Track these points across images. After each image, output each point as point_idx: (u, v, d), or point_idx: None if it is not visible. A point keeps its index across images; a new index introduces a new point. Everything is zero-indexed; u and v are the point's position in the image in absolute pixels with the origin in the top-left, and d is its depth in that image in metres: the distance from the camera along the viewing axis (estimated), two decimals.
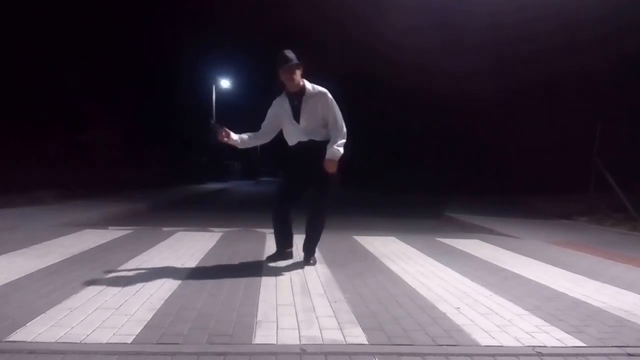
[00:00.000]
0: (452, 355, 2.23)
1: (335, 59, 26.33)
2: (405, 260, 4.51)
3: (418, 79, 18.71)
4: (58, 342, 2.20)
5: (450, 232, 7.34)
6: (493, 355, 2.25)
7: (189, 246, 4.83)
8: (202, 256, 4.34)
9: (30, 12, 12.66)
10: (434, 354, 2.23)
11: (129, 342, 2.24)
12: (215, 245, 4.98)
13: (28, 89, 12.49)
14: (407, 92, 20.40)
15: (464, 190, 15.28)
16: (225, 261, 4.19)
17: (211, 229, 6.26)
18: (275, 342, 2.29)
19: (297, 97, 3.84)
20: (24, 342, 2.20)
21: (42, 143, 12.02)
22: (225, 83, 31.85)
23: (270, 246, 4.66)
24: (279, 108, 3.96)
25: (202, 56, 27.19)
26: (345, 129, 3.89)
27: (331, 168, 3.77)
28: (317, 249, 4.24)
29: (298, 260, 4.30)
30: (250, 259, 4.30)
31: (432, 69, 17.96)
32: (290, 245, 4.28)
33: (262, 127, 4.10)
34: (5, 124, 10.68)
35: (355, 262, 4.30)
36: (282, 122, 4.00)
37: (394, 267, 4.14)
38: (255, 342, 2.28)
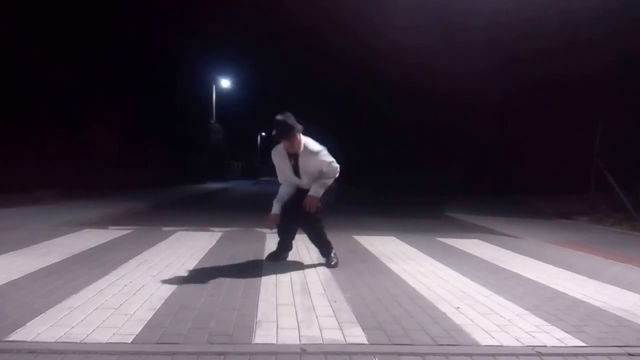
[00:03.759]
0: (452, 355, 2.23)
1: (335, 57, 26.32)
2: (405, 260, 4.51)
3: (418, 78, 18.69)
4: (58, 342, 2.20)
5: (450, 231, 7.34)
6: (493, 355, 2.25)
7: (189, 246, 4.83)
8: (202, 256, 4.34)
9: (30, 12, 12.65)
10: (434, 354, 2.23)
11: (129, 342, 2.24)
12: (215, 245, 4.98)
13: (28, 89, 12.48)
14: (408, 91, 20.38)
15: (464, 190, 15.27)
16: (225, 261, 4.19)
17: (211, 229, 6.26)
18: (275, 342, 2.29)
19: (294, 157, 3.96)
20: (24, 341, 2.20)
21: (42, 143, 12.02)
22: (225, 83, 31.89)
23: (270, 246, 4.67)
24: (281, 159, 4.03)
25: (202, 56, 27.11)
26: (334, 169, 4.01)
27: (312, 205, 3.90)
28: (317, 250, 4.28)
29: (298, 260, 4.31)
30: (250, 259, 4.30)
31: (433, 68, 17.93)
32: (290, 248, 4.34)
33: (279, 178, 4.19)
34: (5, 124, 10.67)
35: (355, 262, 4.30)
36: (284, 172, 4.10)
37: (394, 267, 4.14)
38: (255, 342, 2.29)
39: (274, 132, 3.87)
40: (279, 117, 3.83)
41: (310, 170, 3.98)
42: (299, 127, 3.86)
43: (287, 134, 3.81)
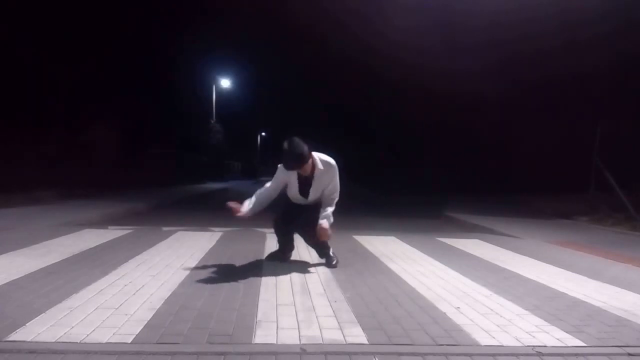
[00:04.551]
0: (452, 355, 2.23)
1: (335, 57, 26.33)
2: (405, 260, 4.51)
3: (419, 79, 18.71)
4: (58, 342, 2.20)
5: (450, 231, 7.34)
6: (493, 355, 2.25)
7: (189, 246, 4.83)
8: (202, 256, 4.34)
9: (30, 12, 12.65)
10: (434, 354, 2.23)
11: (129, 341, 2.24)
12: (215, 245, 4.98)
13: (28, 89, 12.48)
14: (408, 91, 20.40)
15: (464, 190, 15.27)
16: (225, 261, 4.19)
17: (211, 228, 6.26)
18: (275, 342, 2.29)
19: (307, 179, 3.88)
20: (24, 341, 2.20)
21: (42, 143, 12.01)
22: (225, 83, 31.88)
23: (270, 246, 4.66)
24: (291, 179, 3.95)
25: (202, 56, 27.13)
26: (337, 192, 3.96)
27: (325, 235, 3.82)
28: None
29: (298, 260, 4.31)
30: (250, 259, 4.30)
31: (433, 68, 17.95)
32: (292, 248, 4.34)
33: (269, 187, 3.98)
34: (5, 124, 10.67)
35: (355, 262, 4.30)
36: (289, 188, 4.04)
37: (394, 267, 4.14)
38: (255, 342, 2.28)
39: (285, 162, 3.73)
40: (285, 146, 3.63)
41: (322, 186, 3.89)
42: (306, 151, 3.68)
43: (299, 162, 3.70)
